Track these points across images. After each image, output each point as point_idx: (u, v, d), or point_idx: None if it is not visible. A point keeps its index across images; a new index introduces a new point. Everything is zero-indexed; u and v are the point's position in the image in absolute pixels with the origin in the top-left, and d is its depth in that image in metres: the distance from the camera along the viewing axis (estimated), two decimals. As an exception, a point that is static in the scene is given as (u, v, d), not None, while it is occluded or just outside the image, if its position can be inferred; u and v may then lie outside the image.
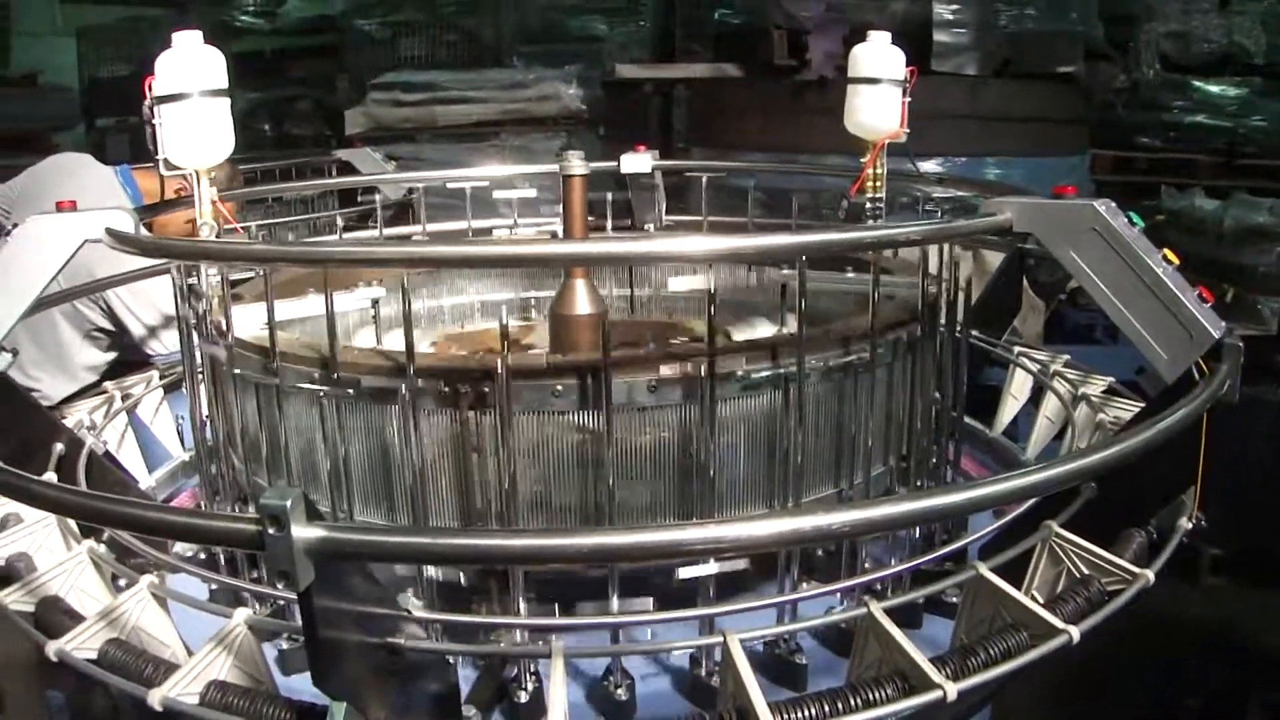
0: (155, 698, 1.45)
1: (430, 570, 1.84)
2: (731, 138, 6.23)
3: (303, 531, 1.14)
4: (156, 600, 1.72)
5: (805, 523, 1.23)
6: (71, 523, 1.98)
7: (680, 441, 1.83)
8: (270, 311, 1.90)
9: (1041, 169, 5.50)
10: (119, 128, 9.16)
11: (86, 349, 4.00)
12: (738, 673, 1.37)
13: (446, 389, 1.78)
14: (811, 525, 1.22)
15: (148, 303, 3.77)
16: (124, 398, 2.77)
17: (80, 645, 1.61)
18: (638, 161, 3.38)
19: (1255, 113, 6.76)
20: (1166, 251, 1.84)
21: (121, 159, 4.24)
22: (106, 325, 3.93)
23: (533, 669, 1.77)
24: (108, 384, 2.88)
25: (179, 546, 2.25)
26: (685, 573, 1.69)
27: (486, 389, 1.75)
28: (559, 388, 1.76)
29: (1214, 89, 6.84)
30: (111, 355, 4.05)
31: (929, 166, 4.97)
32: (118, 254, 2.16)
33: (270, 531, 1.13)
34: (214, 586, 2.12)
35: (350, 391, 1.86)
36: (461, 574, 1.88)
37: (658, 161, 3.40)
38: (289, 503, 1.12)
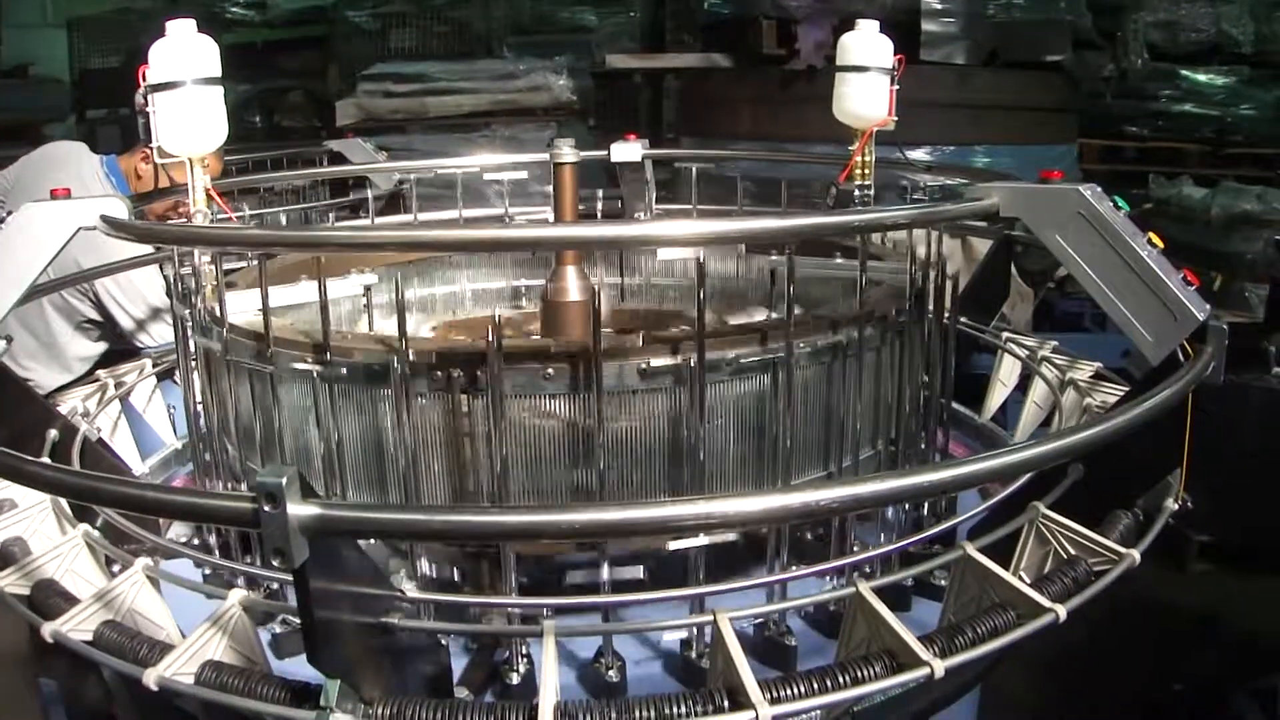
0: (151, 677, 1.46)
1: (424, 552, 1.87)
2: (721, 128, 6.23)
3: (298, 509, 1.15)
4: (151, 583, 1.74)
5: (793, 499, 1.25)
6: (66, 507, 1.99)
7: (671, 425, 1.85)
8: (265, 296, 1.90)
9: (1030, 157, 5.50)
10: (109, 119, 9.14)
11: (78, 340, 4.01)
12: (727, 651, 1.39)
13: (439, 373, 1.79)
14: (799, 501, 1.24)
15: (136, 295, 3.78)
16: (117, 386, 2.78)
17: (76, 627, 1.62)
18: (627, 150, 3.40)
19: (1243, 101, 6.77)
20: (1151, 235, 1.86)
21: (112, 150, 4.24)
22: (96, 316, 3.93)
23: (524, 651, 1.79)
24: (101, 372, 2.89)
25: (173, 531, 2.27)
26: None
27: (479, 373, 1.76)
28: (550, 372, 1.77)
29: (1202, 78, 6.84)
30: (103, 346, 4.06)
31: (917, 155, 5.00)
32: (103, 245, 2.17)
33: (265, 509, 1.14)
34: (208, 571, 2.13)
35: (344, 373, 1.87)
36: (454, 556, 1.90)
37: (647, 150, 3.42)
38: (284, 480, 1.13)
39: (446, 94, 7.11)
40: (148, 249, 3.16)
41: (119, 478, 1.50)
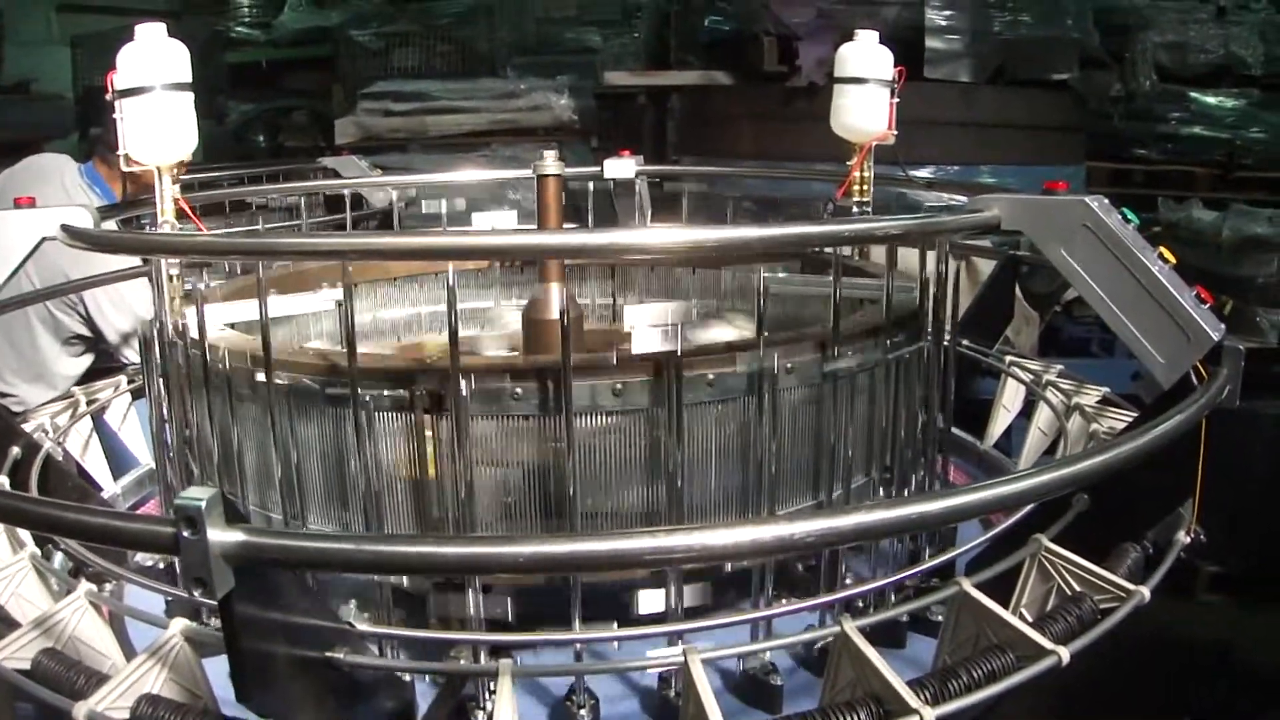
0: (80, 711, 1.36)
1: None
2: (722, 146, 6.14)
3: (220, 535, 1.05)
4: (95, 610, 1.64)
5: (766, 532, 1.14)
6: (22, 531, 1.89)
7: (647, 448, 1.74)
8: (199, 306, 1.81)
9: (1036, 178, 5.38)
10: (112, 136, 9.09)
11: (64, 357, 3.94)
12: (697, 694, 1.28)
13: (400, 391, 1.69)
14: (773, 535, 1.13)
15: (125, 308, 3.70)
16: (89, 403, 2.69)
17: (12, 655, 1.53)
18: (621, 167, 3.31)
19: (1253, 124, 6.64)
20: (1163, 249, 1.75)
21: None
22: (83, 331, 3.86)
23: (492, 688, 1.68)
24: (74, 389, 2.81)
25: (139, 558, 2.17)
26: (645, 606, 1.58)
27: (442, 391, 1.66)
28: (518, 390, 1.67)
29: (1211, 100, 6.73)
30: (88, 361, 3.99)
31: (920, 175, 4.91)
32: (92, 258, 2.09)
33: (185, 534, 1.04)
34: (169, 599, 2.03)
35: (302, 391, 1.77)
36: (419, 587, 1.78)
37: (641, 167, 3.34)
38: (204, 503, 1.03)
39: (447, 113, 7.06)
40: (136, 261, 3.09)
41: (31, 498, 1.40)
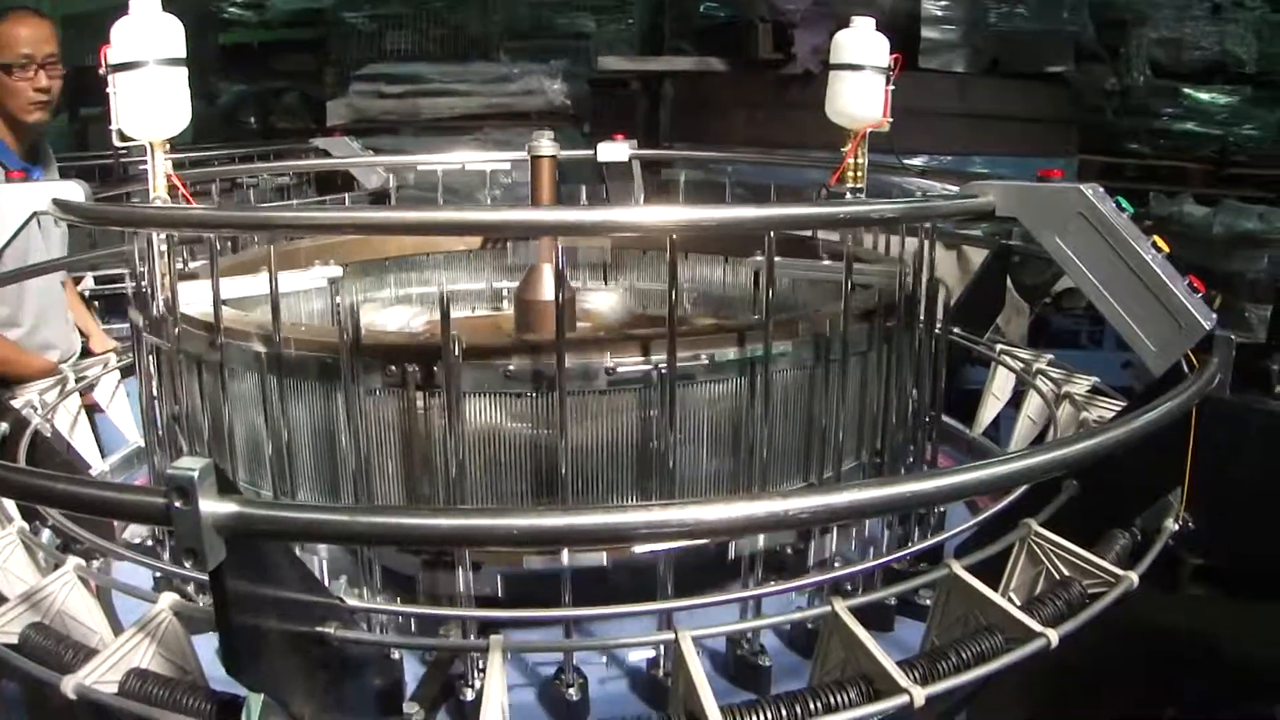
0: (68, 685, 1.36)
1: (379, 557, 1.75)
2: (716, 133, 6.13)
3: (212, 506, 1.04)
4: (84, 584, 1.63)
5: (760, 507, 1.14)
6: (10, 507, 1.89)
7: (640, 429, 1.74)
8: (215, 280, 1.79)
9: (1029, 170, 5.41)
10: (103, 116, 9.03)
11: None
12: (689, 673, 1.28)
13: (392, 368, 1.68)
14: (766, 510, 1.13)
15: None
16: (78, 381, 2.68)
17: (0, 629, 1.52)
18: (614, 150, 3.31)
19: (1246, 121, 6.67)
20: (1156, 238, 1.76)
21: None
22: None
23: (481, 665, 1.68)
24: (63, 366, 2.80)
25: (127, 533, 2.16)
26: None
27: (435, 368, 1.65)
28: (511, 368, 1.66)
29: (1204, 96, 6.76)
30: None
31: (913, 164, 4.92)
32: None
33: (176, 504, 1.03)
34: (158, 574, 2.02)
35: (293, 367, 1.76)
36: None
37: (635, 150, 3.33)
38: (197, 473, 1.02)
39: (439, 96, 7.04)
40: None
41: (18, 468, 1.39)
